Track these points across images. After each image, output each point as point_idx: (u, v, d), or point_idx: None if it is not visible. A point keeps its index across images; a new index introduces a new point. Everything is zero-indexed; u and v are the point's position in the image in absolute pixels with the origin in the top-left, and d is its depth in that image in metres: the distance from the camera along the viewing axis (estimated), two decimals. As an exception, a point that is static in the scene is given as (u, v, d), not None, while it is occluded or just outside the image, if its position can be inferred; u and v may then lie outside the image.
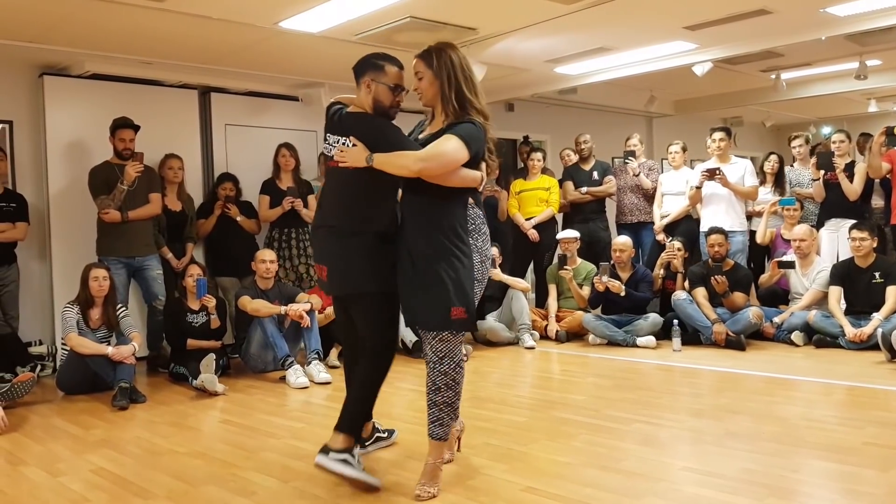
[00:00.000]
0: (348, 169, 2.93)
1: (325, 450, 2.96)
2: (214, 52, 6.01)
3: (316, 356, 5.29)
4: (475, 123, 2.89)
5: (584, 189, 7.16)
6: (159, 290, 5.73)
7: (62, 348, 5.29)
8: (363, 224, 2.99)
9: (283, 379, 5.19)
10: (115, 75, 6.17)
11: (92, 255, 5.57)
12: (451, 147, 2.80)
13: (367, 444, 3.39)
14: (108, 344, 5.02)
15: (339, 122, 3.06)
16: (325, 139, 3.11)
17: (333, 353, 5.74)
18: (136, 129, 5.65)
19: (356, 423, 3.10)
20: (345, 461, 2.94)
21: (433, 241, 2.87)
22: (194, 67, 6.37)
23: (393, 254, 2.98)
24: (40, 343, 5.89)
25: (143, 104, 6.29)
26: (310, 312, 5.40)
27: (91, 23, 5.13)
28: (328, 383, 5.07)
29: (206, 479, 3.21)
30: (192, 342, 5.39)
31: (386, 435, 3.53)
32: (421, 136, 3.03)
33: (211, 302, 5.40)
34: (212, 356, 4.99)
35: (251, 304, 5.37)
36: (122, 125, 5.61)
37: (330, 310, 5.68)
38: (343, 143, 2.97)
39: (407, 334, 5.97)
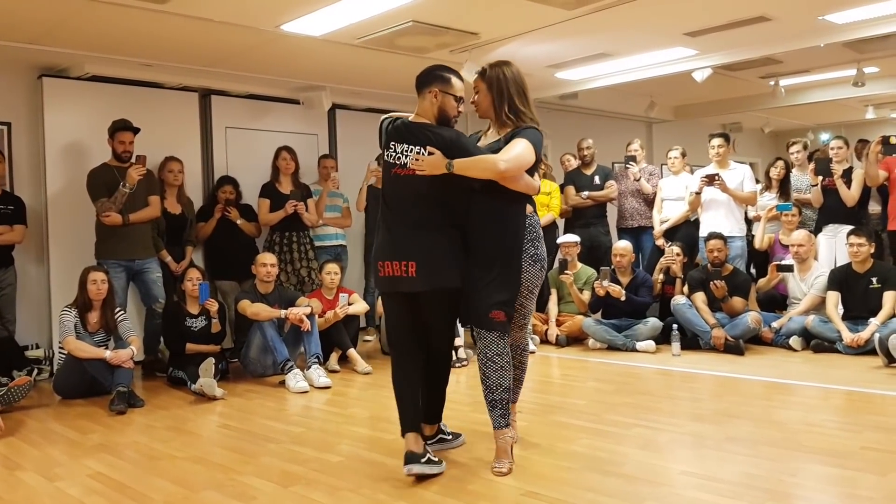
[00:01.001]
0: (424, 176, 3.11)
1: (413, 457, 3.10)
2: (215, 55, 6.01)
3: (316, 360, 5.28)
4: (537, 129, 3.15)
5: (586, 194, 7.17)
6: (159, 293, 5.72)
7: (59, 352, 5.27)
8: (448, 223, 3.18)
9: (282, 383, 5.18)
10: (114, 77, 6.17)
11: (90, 257, 5.55)
12: (525, 149, 3.06)
13: (430, 441, 3.42)
14: (106, 348, 5.01)
15: (407, 131, 3.21)
16: (388, 147, 3.24)
17: (333, 357, 5.73)
18: (136, 131, 5.64)
19: (439, 412, 3.48)
20: (440, 440, 3.46)
21: (496, 245, 3.13)
22: (195, 70, 6.37)
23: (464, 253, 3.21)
24: (37, 347, 5.86)
25: (143, 107, 6.29)
26: (310, 316, 5.39)
27: (91, 24, 5.13)
28: (328, 388, 5.06)
29: (205, 484, 3.20)
30: (190, 346, 5.39)
31: (451, 437, 3.56)
32: (479, 145, 3.26)
33: (214, 306, 5.40)
34: (211, 360, 4.97)
35: (251, 308, 5.37)
36: (121, 128, 5.59)
37: (330, 314, 5.68)
38: (418, 152, 3.14)
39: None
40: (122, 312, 5.24)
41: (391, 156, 3.23)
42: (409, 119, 3.26)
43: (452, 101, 3.23)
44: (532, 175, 3.19)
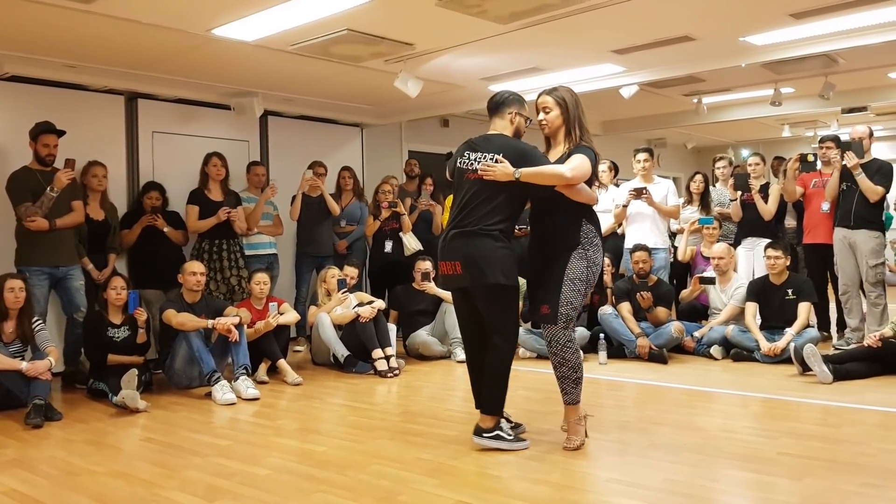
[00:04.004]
0: (493, 182, 3.47)
1: (478, 431, 3.58)
2: (143, 58, 5.87)
3: (244, 371, 5.19)
4: (592, 149, 3.54)
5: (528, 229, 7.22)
6: (81, 302, 5.54)
7: (-27, 363, 5.04)
8: (496, 226, 3.52)
9: (209, 395, 5.07)
10: (36, 78, 5.96)
11: (7, 264, 5.33)
12: (585, 161, 3.44)
13: (485, 435, 3.61)
14: (23, 358, 4.79)
15: (485, 141, 3.61)
16: (463, 155, 3.64)
17: (262, 368, 5.65)
18: (61, 134, 5.45)
19: (498, 402, 3.60)
20: (497, 436, 3.58)
21: (552, 249, 3.56)
22: (121, 72, 6.19)
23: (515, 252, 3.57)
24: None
25: (66, 109, 6.10)
26: (238, 326, 5.29)
27: (11, 23, 4.94)
28: (256, 399, 4.99)
29: (127, 499, 3.12)
30: (113, 357, 5.21)
31: (510, 437, 3.68)
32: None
33: (143, 316, 5.27)
34: (134, 371, 4.83)
35: (176, 318, 5.24)
36: (45, 130, 5.39)
37: (260, 324, 5.60)
38: (489, 159, 3.51)
39: (338, 348, 5.93)
40: (41, 322, 5.05)
41: (464, 162, 3.61)
42: (487, 133, 3.67)
43: (524, 121, 3.70)
44: (590, 187, 3.58)
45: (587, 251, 3.53)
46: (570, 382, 3.58)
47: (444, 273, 3.64)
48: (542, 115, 3.68)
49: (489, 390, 3.61)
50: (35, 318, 5.00)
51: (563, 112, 3.62)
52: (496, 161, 3.47)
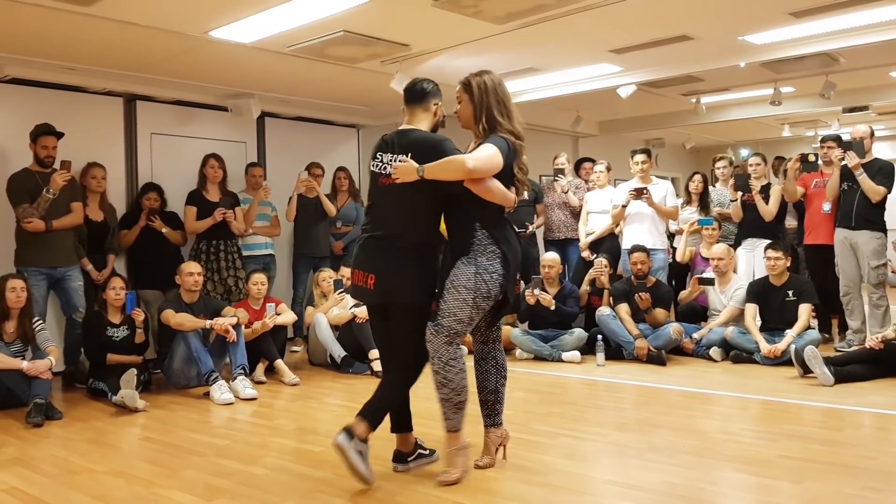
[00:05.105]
0: (401, 185, 3.10)
1: (350, 433, 3.07)
2: (142, 60, 5.88)
3: (242, 371, 5.19)
4: (503, 138, 3.15)
5: (531, 229, 7.24)
6: (80, 302, 5.55)
7: (-27, 363, 5.06)
8: (416, 237, 3.17)
9: (206, 395, 5.08)
10: (36, 80, 5.98)
11: (8, 265, 5.35)
12: (492, 151, 3.07)
13: (409, 459, 3.38)
14: (24, 358, 4.82)
15: (395, 139, 3.24)
16: (375, 157, 3.28)
17: (260, 368, 5.65)
18: (60, 136, 5.46)
19: (378, 417, 3.21)
20: (361, 453, 3.09)
21: (447, 255, 3.22)
22: (120, 74, 6.21)
23: (437, 268, 3.22)
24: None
25: (66, 111, 6.10)
26: (236, 327, 5.30)
27: (12, 25, 4.95)
28: (254, 399, 4.99)
29: (126, 498, 3.12)
30: (112, 357, 5.23)
31: (428, 453, 3.46)
32: None
33: (140, 316, 5.28)
34: (133, 371, 4.84)
35: (175, 318, 5.25)
36: (44, 132, 5.41)
37: (257, 324, 5.60)
38: (398, 159, 3.16)
39: (335, 349, 5.93)
40: (41, 322, 5.07)
41: (377, 165, 3.25)
42: (401, 128, 3.30)
43: (441, 110, 3.34)
44: (507, 188, 3.20)
45: (478, 258, 3.12)
46: (450, 406, 3.17)
47: (356, 284, 3.27)
48: (455, 107, 3.31)
49: (378, 404, 3.22)
50: (35, 318, 5.02)
51: (471, 99, 3.22)
52: (401, 161, 3.14)
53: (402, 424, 3.38)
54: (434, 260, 3.24)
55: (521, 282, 3.53)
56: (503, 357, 3.45)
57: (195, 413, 4.74)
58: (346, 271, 6.38)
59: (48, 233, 5.32)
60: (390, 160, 3.19)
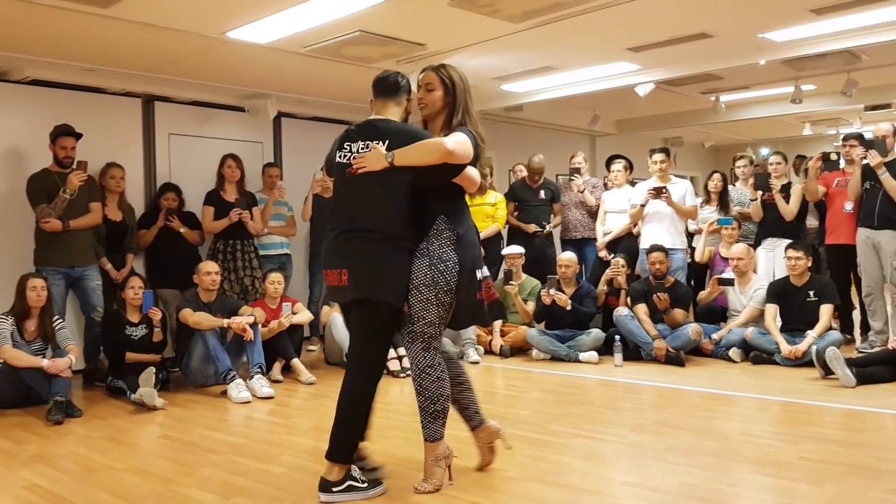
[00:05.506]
0: (371, 176, 2.94)
1: (325, 486, 2.96)
2: (159, 61, 5.92)
3: (259, 370, 5.22)
4: (473, 133, 3.02)
5: (548, 229, 7.22)
6: (98, 302, 5.59)
7: (-5, 361, 5.12)
8: (391, 229, 2.99)
9: (224, 393, 5.11)
10: (56, 81, 6.04)
11: (29, 264, 5.40)
12: (466, 138, 2.94)
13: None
14: (44, 356, 4.88)
15: (367, 129, 3.07)
16: (343, 148, 3.09)
17: (276, 367, 5.67)
18: (78, 136, 5.52)
19: (350, 448, 3.03)
20: (348, 488, 2.97)
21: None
22: (138, 76, 6.26)
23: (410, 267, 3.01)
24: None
25: (85, 112, 6.15)
26: (253, 326, 5.33)
27: (32, 27, 5.00)
28: (271, 398, 5.01)
29: (145, 495, 3.14)
30: (130, 355, 5.27)
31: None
32: None
33: (157, 315, 5.31)
34: (151, 370, 4.87)
35: (193, 317, 5.28)
36: (63, 133, 5.47)
37: (274, 323, 5.62)
38: (363, 149, 3.00)
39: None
40: (61, 320, 5.12)
41: (345, 156, 3.08)
42: (371, 118, 3.16)
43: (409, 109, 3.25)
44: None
45: (430, 246, 2.99)
46: (427, 415, 3.04)
47: (330, 284, 3.09)
48: (421, 93, 3.14)
49: (340, 433, 3.00)
50: (56, 317, 5.07)
51: (447, 94, 3.10)
52: (369, 149, 2.98)
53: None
54: (410, 254, 3.03)
55: (491, 284, 3.18)
56: (449, 363, 3.21)
57: (213, 411, 4.76)
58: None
59: (65, 233, 5.37)
60: (360, 149, 3.03)
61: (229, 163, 6.40)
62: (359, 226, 3.00)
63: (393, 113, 3.15)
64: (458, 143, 2.89)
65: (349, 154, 3.05)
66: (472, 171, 3.03)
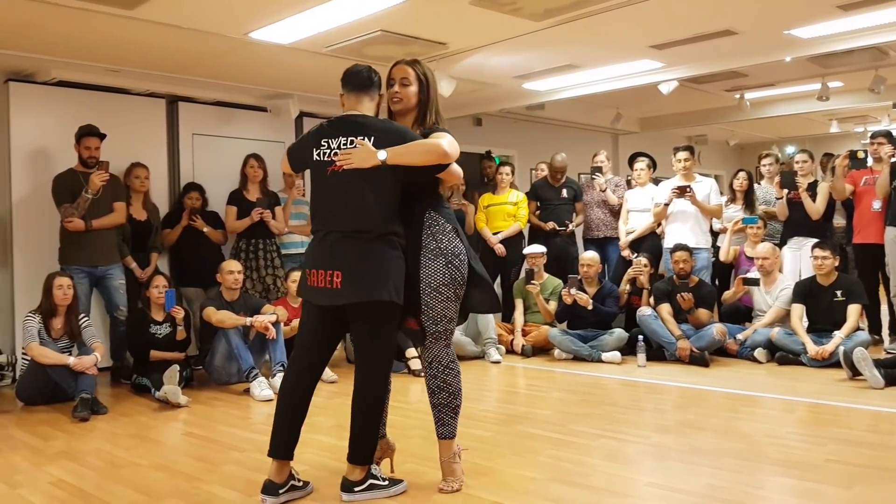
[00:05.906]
0: (356, 173, 2.85)
1: (347, 486, 2.98)
2: (183, 62, 5.96)
3: (281, 368, 5.24)
4: (449, 131, 2.97)
5: (570, 227, 7.19)
6: (121, 301, 5.65)
7: (22, 358, 5.20)
8: (388, 228, 2.91)
9: (247, 391, 5.14)
10: (81, 83, 6.11)
11: (54, 263, 5.47)
12: (452, 139, 2.91)
13: (280, 491, 2.98)
14: (70, 354, 4.94)
15: (344, 126, 2.96)
16: (321, 145, 2.97)
17: (299, 365, 5.68)
18: (102, 137, 5.59)
19: (370, 450, 3.04)
20: (370, 487, 2.99)
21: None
22: (162, 76, 6.31)
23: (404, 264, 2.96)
24: (0, 353, 5.76)
25: (110, 112, 6.22)
26: (275, 324, 5.36)
27: (58, 29, 5.06)
28: (293, 396, 5.02)
29: (169, 492, 3.16)
30: (155, 353, 5.33)
31: (301, 485, 3.09)
32: None
33: (180, 314, 5.35)
34: (175, 367, 4.92)
35: (216, 316, 5.31)
36: (87, 133, 5.54)
37: (296, 322, 5.63)
38: (350, 143, 2.91)
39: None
40: (87, 318, 5.18)
41: (323, 154, 2.95)
42: (347, 113, 3.03)
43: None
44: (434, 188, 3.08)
45: (440, 244, 2.95)
46: (448, 411, 3.06)
47: (314, 285, 2.93)
48: (396, 87, 3.06)
49: (359, 438, 3.00)
50: (82, 315, 5.14)
51: (421, 91, 3.05)
52: (356, 145, 2.88)
53: (285, 449, 3.02)
54: (403, 251, 2.95)
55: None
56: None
57: (236, 409, 4.79)
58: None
59: (88, 232, 5.43)
60: (342, 145, 2.91)
61: (252, 162, 6.43)
62: (350, 226, 2.90)
63: (367, 108, 3.05)
64: (450, 143, 2.88)
65: (329, 151, 2.94)
66: (456, 167, 2.99)
